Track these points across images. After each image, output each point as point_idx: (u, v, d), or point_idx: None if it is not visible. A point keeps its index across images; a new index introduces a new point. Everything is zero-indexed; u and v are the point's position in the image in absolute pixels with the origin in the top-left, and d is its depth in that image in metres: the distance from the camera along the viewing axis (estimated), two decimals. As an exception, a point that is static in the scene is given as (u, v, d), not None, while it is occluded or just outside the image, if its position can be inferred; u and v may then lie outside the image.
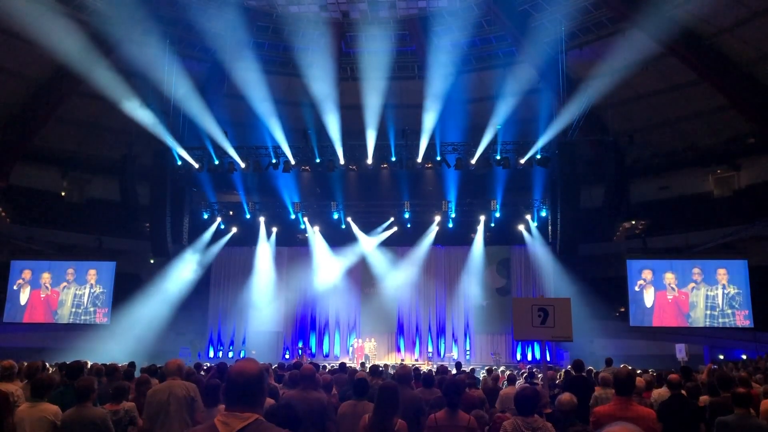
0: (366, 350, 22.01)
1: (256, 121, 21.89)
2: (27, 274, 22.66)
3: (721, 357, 20.00)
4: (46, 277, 22.65)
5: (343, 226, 24.17)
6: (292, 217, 23.96)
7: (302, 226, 24.29)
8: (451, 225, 23.81)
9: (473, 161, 21.73)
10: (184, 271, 23.08)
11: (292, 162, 22.15)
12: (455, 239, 24.34)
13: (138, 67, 20.58)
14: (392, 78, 22.51)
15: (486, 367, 14.15)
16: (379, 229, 24.17)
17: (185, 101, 21.12)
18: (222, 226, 24.34)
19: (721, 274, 20.99)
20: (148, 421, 5.64)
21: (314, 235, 24.31)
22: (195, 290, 23.51)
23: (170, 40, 21.25)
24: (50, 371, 9.89)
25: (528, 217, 23.42)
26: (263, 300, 24.27)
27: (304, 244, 24.73)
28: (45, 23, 18.50)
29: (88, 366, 9.50)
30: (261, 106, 21.56)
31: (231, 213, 24.22)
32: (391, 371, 11.42)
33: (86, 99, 23.18)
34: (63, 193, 25.99)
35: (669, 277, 21.34)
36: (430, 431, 4.94)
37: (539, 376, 11.06)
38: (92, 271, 22.87)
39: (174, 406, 5.58)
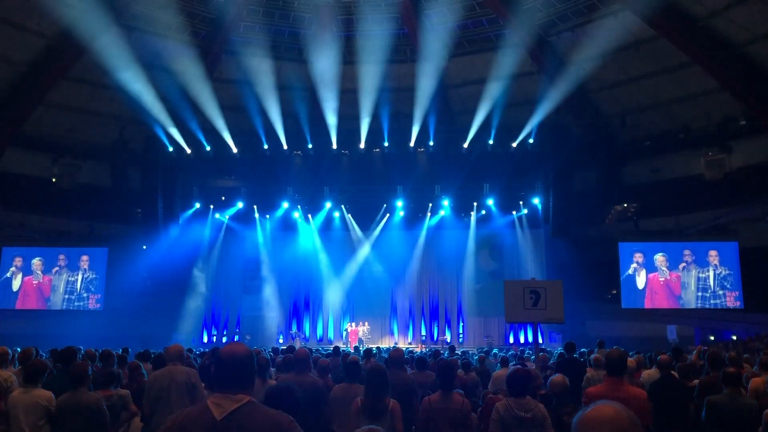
0: (359, 334, 22.13)
1: (248, 105, 21.72)
2: (18, 260, 22.57)
3: (712, 338, 20.21)
4: (37, 263, 22.56)
5: (337, 212, 24.17)
6: (285, 202, 23.91)
7: (295, 212, 24.27)
8: (443, 209, 23.85)
9: (465, 145, 21.72)
10: (178, 256, 23.01)
11: (285, 147, 22.06)
12: (448, 223, 24.36)
13: (129, 50, 20.31)
14: (385, 61, 22.34)
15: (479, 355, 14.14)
16: (373, 215, 24.17)
17: (177, 85, 20.91)
18: (216, 214, 24.26)
19: (713, 256, 21.16)
20: (148, 406, 5.61)
21: (308, 219, 24.30)
22: (188, 276, 23.48)
23: (161, 22, 20.99)
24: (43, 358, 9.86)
25: (520, 201, 23.47)
26: (256, 285, 24.28)
27: (298, 229, 24.70)
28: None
29: (81, 352, 9.48)
30: (253, 90, 21.40)
31: (223, 198, 24.14)
32: (384, 355, 11.48)
33: (76, 84, 22.91)
34: (54, 179, 25.75)
35: (660, 260, 21.48)
36: (424, 413, 4.95)
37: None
38: (84, 257, 22.82)
39: (175, 392, 5.54)
